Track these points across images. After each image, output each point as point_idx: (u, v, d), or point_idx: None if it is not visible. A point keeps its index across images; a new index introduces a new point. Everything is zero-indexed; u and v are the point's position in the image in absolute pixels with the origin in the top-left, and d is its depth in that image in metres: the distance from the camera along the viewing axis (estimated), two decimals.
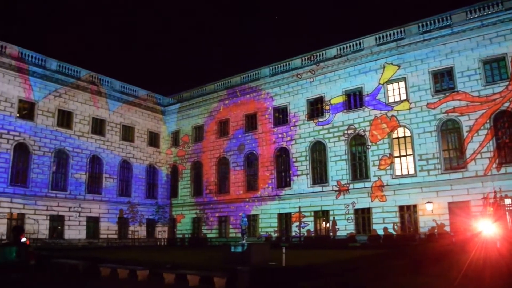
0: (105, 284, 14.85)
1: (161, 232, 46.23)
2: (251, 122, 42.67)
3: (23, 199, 35.89)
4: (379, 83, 34.81)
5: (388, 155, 33.53)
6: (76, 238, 38.59)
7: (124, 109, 45.53)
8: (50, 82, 39.21)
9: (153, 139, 48.69)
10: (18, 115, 36.95)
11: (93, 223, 40.76)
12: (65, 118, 40.36)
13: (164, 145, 49.59)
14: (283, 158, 39.93)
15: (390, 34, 34.80)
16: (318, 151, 37.72)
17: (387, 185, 33.00)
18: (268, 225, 39.05)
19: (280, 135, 39.93)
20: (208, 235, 43.09)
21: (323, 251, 26.74)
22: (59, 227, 38.28)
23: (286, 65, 40.75)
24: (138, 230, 44.03)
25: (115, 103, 44.72)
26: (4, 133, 35.59)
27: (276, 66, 41.38)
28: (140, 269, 15.37)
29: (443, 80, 32.25)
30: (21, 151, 36.82)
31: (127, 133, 45.82)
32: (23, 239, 8.06)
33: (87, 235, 39.75)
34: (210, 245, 40.28)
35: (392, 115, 33.73)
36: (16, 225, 8.66)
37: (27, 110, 37.80)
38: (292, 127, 39.23)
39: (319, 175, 37.36)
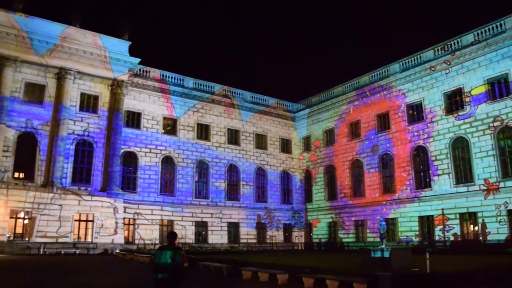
0: (247, 286, 15.43)
1: (298, 236, 46.80)
2: (383, 121, 41.07)
3: (171, 207, 39.40)
4: None
5: None
6: (219, 242, 41.03)
7: (256, 119, 47.31)
8: (188, 99, 42.62)
9: (285, 146, 49.71)
10: (163, 131, 40.84)
11: (233, 228, 43.02)
12: (203, 131, 43.44)
13: (296, 150, 50.29)
14: (420, 157, 37.62)
15: None
16: (460, 147, 34.73)
17: None
18: (408, 229, 37.03)
19: (416, 133, 37.72)
20: (345, 240, 42.39)
21: (472, 257, 24.47)
22: (203, 232, 41.19)
23: (417, 58, 38.40)
24: (276, 235, 45.22)
25: (247, 113, 46.72)
26: (153, 148, 39.59)
27: (407, 61, 39.24)
28: (280, 273, 15.63)
29: None
30: (167, 164, 40.57)
31: (260, 141, 47.51)
32: (177, 243, 8.67)
33: (228, 240, 42.08)
34: (347, 250, 39.55)
35: None
36: (171, 231, 9.44)
37: (170, 126, 41.63)
38: (428, 124, 36.77)
39: (463, 174, 34.33)
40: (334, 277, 13.79)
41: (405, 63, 39.33)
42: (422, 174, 37.37)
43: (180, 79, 42.71)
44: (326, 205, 45.76)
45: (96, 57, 36.12)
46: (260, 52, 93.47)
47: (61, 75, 34.61)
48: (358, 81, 44.19)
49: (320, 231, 45.84)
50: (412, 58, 38.79)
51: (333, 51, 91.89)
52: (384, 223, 20.13)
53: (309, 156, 48.83)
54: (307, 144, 49.74)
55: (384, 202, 39.37)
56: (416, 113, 38.28)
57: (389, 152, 39.83)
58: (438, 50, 36.77)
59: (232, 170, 44.79)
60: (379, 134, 40.95)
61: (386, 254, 16.26)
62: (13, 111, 32.54)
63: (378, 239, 28.82)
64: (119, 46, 37.44)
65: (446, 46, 36.11)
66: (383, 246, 17.54)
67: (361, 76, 43.96)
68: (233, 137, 45.59)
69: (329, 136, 47.00)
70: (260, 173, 46.86)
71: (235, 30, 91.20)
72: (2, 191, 30.38)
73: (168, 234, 8.80)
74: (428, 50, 37.61)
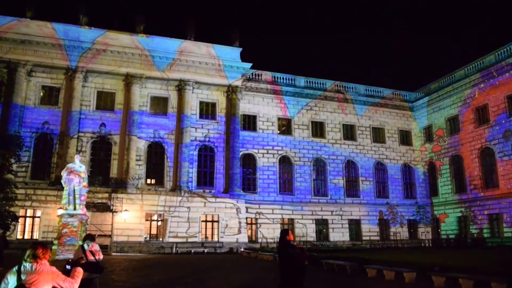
0: (373, 285, 15.04)
1: (424, 233, 44.27)
2: None
3: (291, 205, 39.98)
4: None
5: None
6: (341, 240, 40.56)
7: (371, 112, 45.86)
8: (301, 98, 42.88)
9: (405, 138, 47.39)
10: (278, 131, 41.66)
11: (354, 226, 42.20)
12: (318, 129, 43.36)
13: (417, 142, 47.68)
14: None
15: None
16: None
17: None
18: None
19: None
20: (478, 235, 39.07)
21: None
22: (324, 230, 41.07)
23: None
24: (400, 231, 43.28)
25: (362, 107, 45.49)
26: (269, 149, 40.61)
27: None
28: (406, 271, 14.96)
29: None
30: (285, 163, 41.29)
31: (378, 135, 45.94)
32: (290, 240, 8.64)
33: (350, 237, 41.42)
34: (481, 246, 36.41)
35: None
36: (284, 229, 9.56)
37: (285, 126, 42.34)
38: None
39: None
40: (468, 276, 12.81)
41: None
42: None
43: (291, 79, 43.17)
44: (454, 199, 42.65)
45: (211, 66, 38.11)
46: (370, 42, 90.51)
47: (181, 86, 37.19)
48: (482, 61, 40.48)
49: (448, 227, 42.85)
50: None
51: (448, 32, 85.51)
52: None
53: (432, 146, 45.94)
54: (428, 134, 46.84)
55: None
56: None
57: None
58: None
59: (350, 166, 43.98)
60: None
61: None
62: (142, 124, 35.87)
63: None
64: (231, 54, 39.03)
65: None
66: None
67: (485, 56, 40.18)
68: (349, 132, 44.73)
69: (453, 124, 43.72)
70: (380, 167, 45.29)
71: (341, 22, 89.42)
72: (138, 197, 33.61)
73: (281, 231, 8.86)
74: None
